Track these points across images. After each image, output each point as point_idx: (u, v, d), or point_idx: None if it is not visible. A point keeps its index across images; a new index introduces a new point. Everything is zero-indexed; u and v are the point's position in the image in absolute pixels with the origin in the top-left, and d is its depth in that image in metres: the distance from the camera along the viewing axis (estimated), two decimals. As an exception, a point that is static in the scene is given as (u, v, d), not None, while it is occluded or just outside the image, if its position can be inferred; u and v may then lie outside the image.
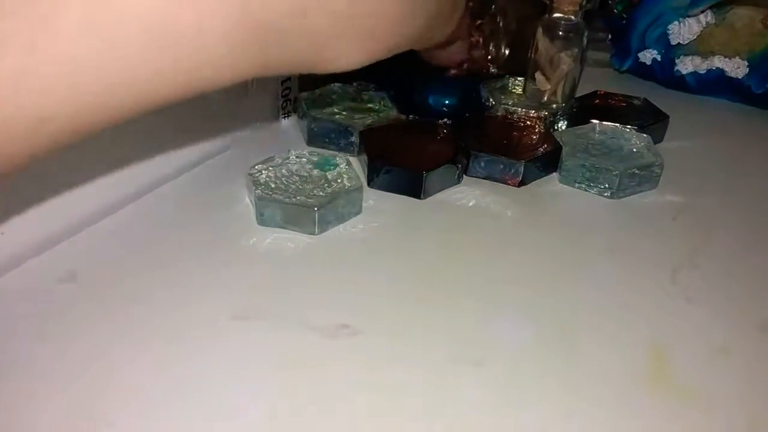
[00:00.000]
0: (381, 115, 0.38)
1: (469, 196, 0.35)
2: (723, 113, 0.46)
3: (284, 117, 0.41)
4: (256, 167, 0.33)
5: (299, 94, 0.40)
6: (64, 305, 0.26)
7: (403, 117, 0.39)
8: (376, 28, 0.22)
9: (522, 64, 0.41)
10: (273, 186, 0.31)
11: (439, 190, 0.35)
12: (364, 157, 0.35)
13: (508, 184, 0.36)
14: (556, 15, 0.39)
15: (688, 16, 0.45)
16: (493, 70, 0.44)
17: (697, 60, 0.46)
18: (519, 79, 0.43)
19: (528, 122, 0.39)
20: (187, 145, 0.35)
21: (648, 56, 0.47)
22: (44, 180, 0.28)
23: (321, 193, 0.31)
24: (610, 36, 0.52)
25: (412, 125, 0.38)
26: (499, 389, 0.24)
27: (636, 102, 0.43)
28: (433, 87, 0.40)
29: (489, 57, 0.42)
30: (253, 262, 0.29)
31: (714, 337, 0.27)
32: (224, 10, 0.18)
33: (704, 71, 0.46)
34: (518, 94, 0.42)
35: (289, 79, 0.40)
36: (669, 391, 0.24)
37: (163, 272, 0.28)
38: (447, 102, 0.40)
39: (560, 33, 0.39)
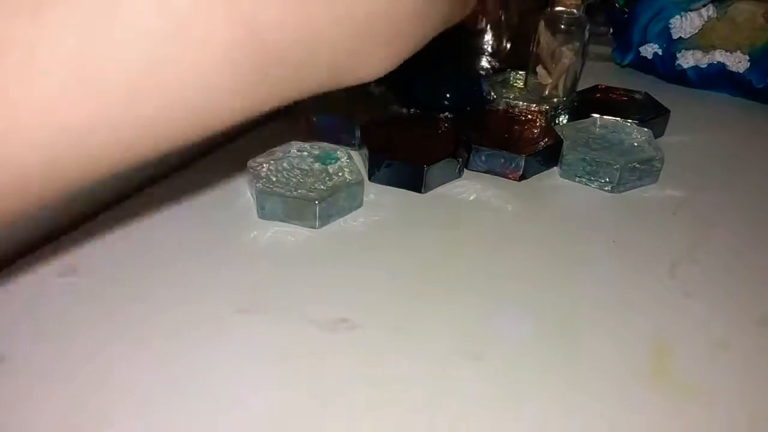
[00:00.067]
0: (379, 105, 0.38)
1: (469, 190, 0.35)
2: (724, 107, 0.46)
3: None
4: (257, 160, 0.33)
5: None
6: (64, 302, 0.26)
7: (404, 111, 0.39)
8: (396, 32, 0.19)
9: (524, 58, 0.41)
10: (274, 179, 0.32)
11: (440, 184, 0.35)
12: (365, 150, 0.35)
13: (509, 178, 0.36)
14: (558, 9, 0.39)
15: (690, 10, 0.45)
16: (494, 63, 0.44)
17: (699, 54, 0.46)
18: (520, 72, 0.43)
19: (529, 116, 0.39)
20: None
21: (649, 50, 0.47)
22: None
23: (322, 187, 0.31)
24: (611, 30, 0.52)
25: (413, 119, 0.38)
26: (500, 383, 0.24)
27: (637, 96, 0.43)
28: (435, 81, 0.40)
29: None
30: (254, 255, 0.30)
31: (713, 332, 0.27)
32: (228, 37, 0.16)
33: (705, 65, 0.46)
34: (519, 87, 0.42)
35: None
36: (669, 386, 0.24)
37: (163, 267, 0.28)
38: (448, 96, 0.40)
39: (562, 27, 0.39)
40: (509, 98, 0.40)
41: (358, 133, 0.37)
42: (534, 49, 0.40)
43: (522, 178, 0.36)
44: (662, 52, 0.47)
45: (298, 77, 0.18)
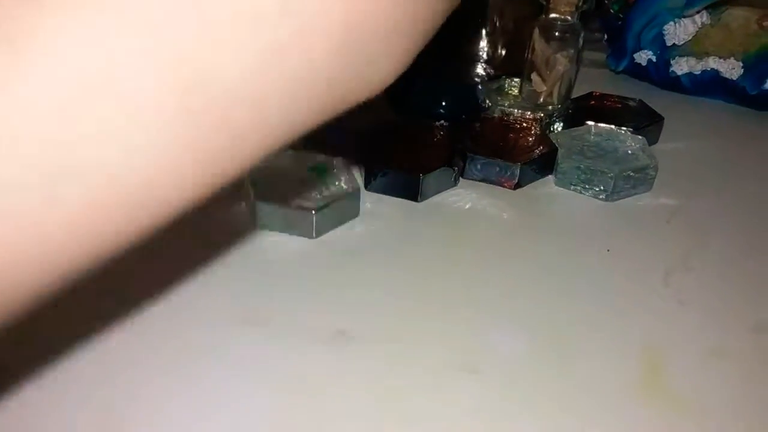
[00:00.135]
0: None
1: (465, 199, 0.35)
2: (718, 114, 0.46)
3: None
4: (253, 171, 0.33)
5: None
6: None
7: (399, 119, 0.39)
8: (402, 36, 0.17)
9: (519, 65, 0.42)
10: (270, 189, 0.32)
11: (436, 193, 0.35)
12: (362, 160, 0.35)
13: (504, 187, 0.36)
14: (553, 16, 0.39)
15: (684, 17, 0.45)
16: (489, 71, 0.45)
17: (692, 61, 0.46)
18: (515, 80, 0.43)
19: (524, 124, 0.39)
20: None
21: (643, 57, 0.47)
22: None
23: (319, 197, 0.31)
24: (606, 36, 0.52)
25: (408, 128, 0.38)
26: (495, 396, 0.24)
27: (631, 103, 0.43)
28: (430, 89, 0.41)
29: None
30: (250, 266, 0.30)
31: (708, 340, 0.27)
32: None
33: (699, 72, 0.46)
34: (514, 95, 0.42)
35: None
36: (663, 398, 0.24)
37: (157, 276, 0.28)
38: (444, 104, 0.40)
39: (556, 34, 0.39)
40: (504, 106, 0.41)
41: (352, 142, 0.37)
42: (529, 56, 0.40)
43: (517, 186, 0.36)
44: (656, 58, 0.47)
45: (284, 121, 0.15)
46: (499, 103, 0.41)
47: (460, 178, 0.36)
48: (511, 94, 0.42)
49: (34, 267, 0.13)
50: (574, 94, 0.43)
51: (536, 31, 0.39)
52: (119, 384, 0.24)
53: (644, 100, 0.43)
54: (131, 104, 0.12)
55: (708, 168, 0.40)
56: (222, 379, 0.24)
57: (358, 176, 0.35)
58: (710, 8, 0.45)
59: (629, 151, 0.37)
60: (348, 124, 0.39)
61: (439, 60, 0.36)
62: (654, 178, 0.36)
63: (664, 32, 0.46)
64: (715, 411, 0.24)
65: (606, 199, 0.36)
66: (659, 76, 0.47)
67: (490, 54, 0.45)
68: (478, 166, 0.36)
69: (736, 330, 0.28)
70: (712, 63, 0.45)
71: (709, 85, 0.46)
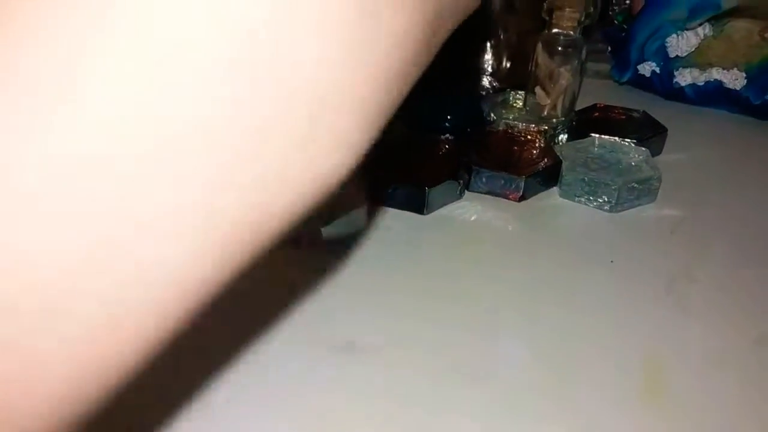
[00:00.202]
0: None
1: (470, 211, 0.36)
2: (721, 124, 0.46)
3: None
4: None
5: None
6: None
7: (405, 133, 0.40)
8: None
9: (523, 78, 0.42)
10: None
11: (442, 206, 0.36)
12: (368, 173, 0.36)
13: (510, 199, 0.37)
14: (555, 30, 0.39)
15: (687, 29, 0.45)
16: (494, 84, 0.45)
17: (696, 72, 0.46)
18: (519, 93, 0.43)
19: (528, 136, 0.40)
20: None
21: (647, 68, 0.48)
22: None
23: (325, 210, 0.32)
24: (609, 48, 0.53)
25: (414, 141, 0.39)
26: (498, 404, 0.25)
27: (635, 115, 0.44)
28: (435, 102, 0.41)
29: None
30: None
31: (710, 351, 0.27)
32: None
33: (702, 83, 0.46)
34: (519, 108, 0.43)
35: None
36: (665, 408, 0.25)
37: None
38: (449, 117, 0.41)
39: (559, 48, 0.39)
40: (509, 119, 0.41)
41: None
42: (532, 70, 0.41)
43: (522, 198, 0.37)
44: (660, 70, 0.47)
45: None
46: (504, 116, 0.42)
47: (466, 191, 0.37)
48: (515, 107, 0.43)
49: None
50: (579, 106, 0.43)
51: (539, 45, 0.40)
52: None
53: (648, 111, 0.44)
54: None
55: (711, 178, 0.40)
56: (226, 390, 0.24)
57: (365, 189, 0.36)
58: (712, 20, 0.45)
59: (633, 163, 0.38)
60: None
61: (444, 74, 0.37)
62: (658, 189, 0.37)
63: (666, 44, 0.46)
64: (716, 421, 0.24)
65: (610, 211, 0.36)
66: (663, 87, 0.48)
67: (495, 67, 0.46)
68: (483, 179, 0.37)
69: (738, 340, 0.28)
70: (716, 74, 0.46)
71: (713, 95, 0.47)
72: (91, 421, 0.14)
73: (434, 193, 0.35)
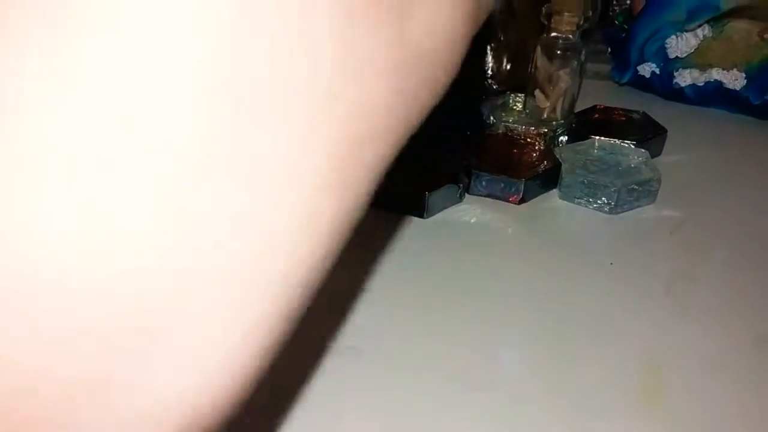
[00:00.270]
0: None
1: (470, 214, 0.36)
2: (721, 125, 0.46)
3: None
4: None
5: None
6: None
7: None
8: None
9: (523, 80, 0.42)
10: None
11: (442, 209, 0.36)
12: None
13: (510, 202, 0.37)
14: (554, 34, 0.40)
15: (686, 31, 0.45)
16: (494, 86, 0.45)
17: (696, 73, 0.46)
18: (519, 95, 0.44)
19: (528, 139, 0.40)
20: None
21: (647, 69, 0.48)
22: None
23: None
24: (609, 49, 0.53)
25: (414, 145, 0.39)
26: (498, 408, 0.25)
27: (635, 116, 0.44)
28: (434, 106, 0.41)
29: None
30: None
31: (709, 352, 0.28)
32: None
33: (702, 84, 0.47)
34: (518, 111, 0.43)
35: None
36: (664, 410, 0.25)
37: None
38: (449, 120, 0.41)
39: (558, 52, 0.40)
40: (508, 122, 0.41)
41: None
42: (532, 72, 0.41)
43: (522, 201, 0.37)
44: (659, 71, 0.47)
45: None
46: (504, 119, 0.42)
47: (466, 194, 0.37)
48: (515, 109, 0.43)
49: None
50: (579, 106, 0.43)
51: (538, 49, 0.40)
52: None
53: (648, 112, 0.44)
54: None
55: (711, 179, 0.40)
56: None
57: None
58: (711, 21, 0.45)
59: (632, 165, 0.38)
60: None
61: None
62: (657, 190, 0.37)
63: (666, 45, 0.46)
64: (715, 423, 0.24)
65: (610, 212, 0.36)
66: (663, 87, 0.48)
67: (495, 70, 0.46)
68: (483, 183, 0.37)
69: (738, 341, 0.28)
70: (715, 74, 0.46)
71: (713, 95, 0.47)
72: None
73: (434, 196, 0.35)
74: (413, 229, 0.35)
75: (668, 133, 0.42)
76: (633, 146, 0.39)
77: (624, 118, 0.44)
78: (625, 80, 0.50)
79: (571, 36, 0.39)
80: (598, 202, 0.36)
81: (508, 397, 0.25)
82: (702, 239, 0.35)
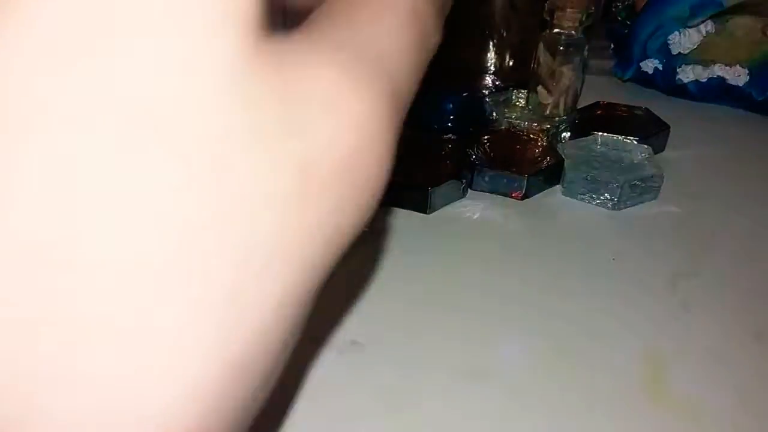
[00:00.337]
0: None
1: (473, 210, 0.36)
2: (724, 120, 0.46)
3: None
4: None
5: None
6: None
7: (407, 133, 0.40)
8: None
9: (525, 76, 0.42)
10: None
11: (445, 205, 0.36)
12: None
13: (512, 198, 0.37)
14: (557, 30, 0.39)
15: (689, 27, 0.45)
16: (497, 82, 0.46)
17: (698, 69, 0.46)
18: (522, 91, 0.44)
19: (531, 135, 0.40)
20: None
21: (650, 65, 0.48)
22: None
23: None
24: (612, 45, 0.53)
25: (416, 141, 0.39)
26: (501, 402, 0.25)
27: (637, 112, 0.44)
28: (437, 102, 0.42)
29: None
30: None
31: (712, 347, 0.28)
32: None
33: (705, 80, 0.46)
34: (521, 107, 0.43)
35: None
36: (667, 404, 0.25)
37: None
38: (451, 116, 0.41)
39: (561, 48, 0.40)
40: (511, 118, 0.41)
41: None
42: (534, 68, 0.41)
43: (525, 197, 0.37)
44: (662, 67, 0.47)
45: None
46: (506, 115, 0.42)
47: (469, 190, 0.37)
48: (518, 105, 0.43)
49: None
50: (582, 103, 0.43)
51: (540, 45, 0.40)
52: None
53: (651, 108, 0.44)
54: None
55: (714, 175, 0.40)
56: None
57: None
58: (715, 18, 0.45)
59: (635, 161, 0.38)
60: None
61: (445, 73, 0.37)
62: (660, 186, 0.37)
63: (669, 42, 0.46)
64: (718, 418, 0.25)
65: (613, 208, 0.36)
66: (666, 83, 0.48)
67: (497, 66, 0.46)
68: (486, 179, 0.37)
69: (741, 337, 0.28)
70: (718, 70, 0.46)
71: (716, 91, 0.47)
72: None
73: (437, 192, 0.35)
74: (416, 224, 0.35)
75: (671, 129, 0.42)
76: (636, 142, 0.39)
77: (627, 115, 0.44)
78: (627, 76, 0.49)
79: (573, 32, 0.39)
80: (601, 198, 0.36)
81: (511, 390, 0.25)
82: (705, 235, 0.35)
